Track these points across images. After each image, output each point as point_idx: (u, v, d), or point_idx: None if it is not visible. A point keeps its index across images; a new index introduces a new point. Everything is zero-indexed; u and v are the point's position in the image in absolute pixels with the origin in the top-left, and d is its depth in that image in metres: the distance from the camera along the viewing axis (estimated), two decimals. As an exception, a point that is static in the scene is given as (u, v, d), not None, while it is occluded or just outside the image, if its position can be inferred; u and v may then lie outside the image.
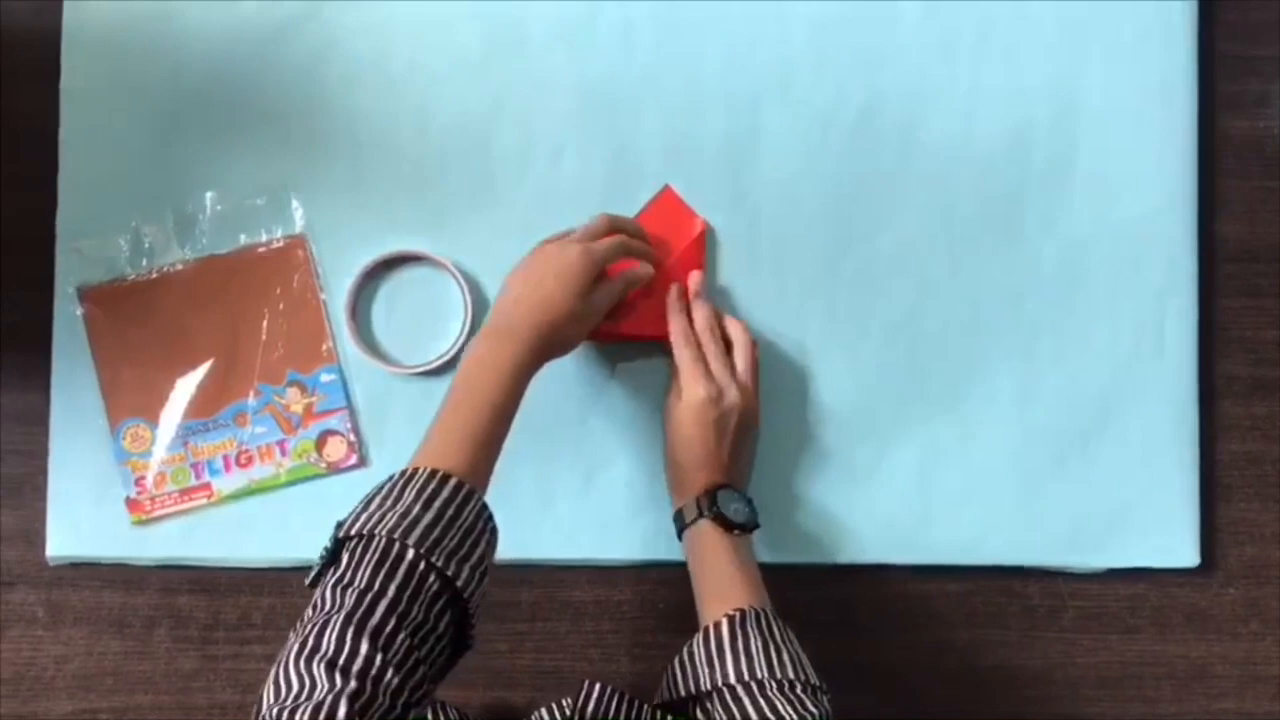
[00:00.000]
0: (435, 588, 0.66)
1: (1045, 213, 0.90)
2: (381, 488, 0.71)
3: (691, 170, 0.89)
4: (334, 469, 0.88)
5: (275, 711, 0.60)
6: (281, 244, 0.88)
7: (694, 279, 0.87)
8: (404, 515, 0.67)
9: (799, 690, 0.71)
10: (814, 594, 0.88)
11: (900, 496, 0.89)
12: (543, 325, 0.78)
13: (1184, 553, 0.90)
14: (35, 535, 0.87)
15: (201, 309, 0.87)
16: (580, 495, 0.88)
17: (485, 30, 0.89)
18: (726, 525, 0.79)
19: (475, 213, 0.89)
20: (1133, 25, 0.91)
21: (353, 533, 0.67)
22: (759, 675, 0.71)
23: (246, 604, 0.89)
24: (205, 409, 0.87)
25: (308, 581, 0.69)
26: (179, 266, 0.88)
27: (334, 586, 0.65)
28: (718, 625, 0.74)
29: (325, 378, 0.88)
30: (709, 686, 0.72)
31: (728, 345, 0.86)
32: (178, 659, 0.89)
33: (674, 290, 0.86)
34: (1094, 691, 0.90)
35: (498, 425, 0.75)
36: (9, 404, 0.88)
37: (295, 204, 0.88)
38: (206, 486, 0.87)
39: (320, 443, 0.88)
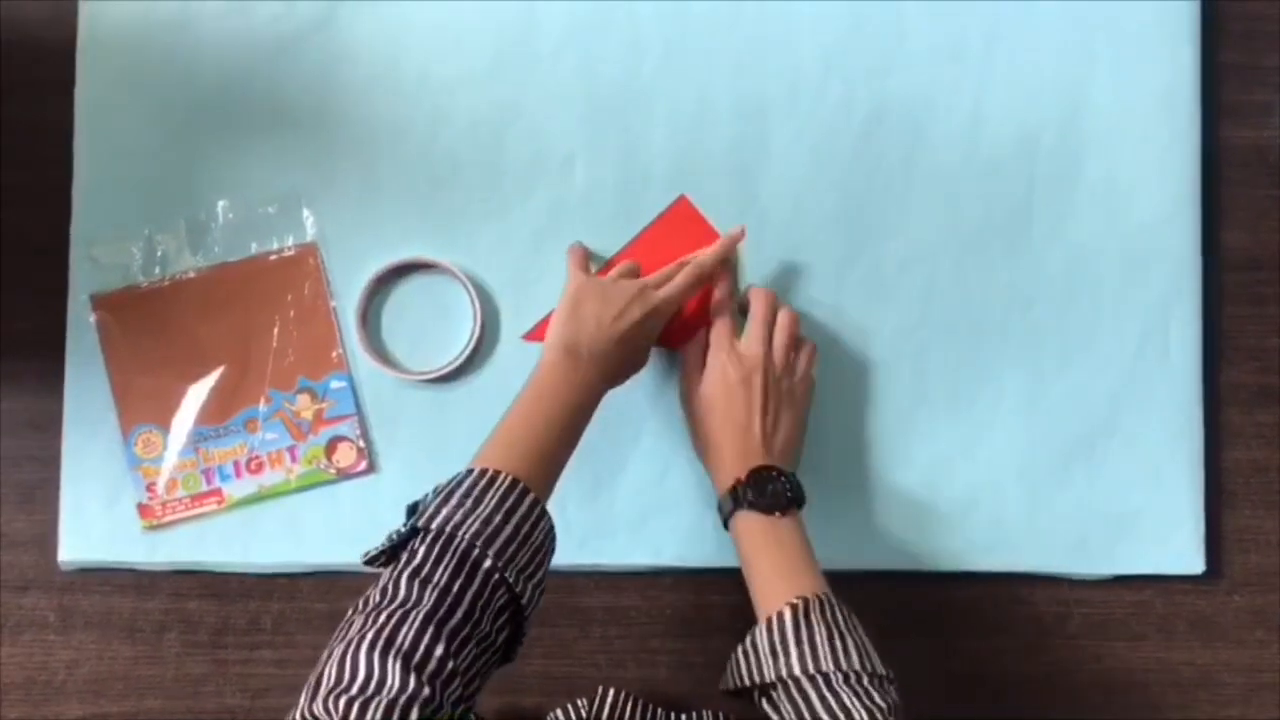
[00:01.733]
0: (503, 601, 0.67)
1: (1051, 221, 0.91)
2: (461, 483, 0.71)
3: (701, 178, 0.90)
4: (344, 475, 0.88)
5: (342, 698, 0.59)
6: (293, 252, 0.89)
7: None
8: (486, 522, 0.68)
9: (865, 681, 0.68)
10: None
11: (906, 504, 0.89)
12: (619, 362, 0.80)
13: (1189, 560, 0.90)
14: (47, 540, 0.88)
15: (213, 316, 0.88)
16: (589, 502, 0.89)
17: (496, 40, 0.90)
18: (767, 509, 0.76)
19: (485, 221, 0.89)
20: (1138, 35, 0.91)
21: (433, 526, 0.68)
22: (824, 667, 0.69)
23: (256, 609, 0.89)
24: (216, 415, 0.88)
25: (365, 558, 0.68)
26: (191, 274, 0.89)
27: (410, 578, 0.65)
28: (780, 615, 0.71)
29: (335, 384, 0.88)
30: (773, 678, 0.70)
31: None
32: (188, 664, 0.89)
33: (721, 249, 0.86)
34: (1099, 699, 0.90)
35: (567, 444, 0.77)
36: (22, 410, 0.89)
37: (306, 212, 0.89)
38: (217, 492, 0.88)
39: (330, 449, 0.88)
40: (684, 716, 0.82)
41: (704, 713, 0.83)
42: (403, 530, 0.69)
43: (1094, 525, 0.90)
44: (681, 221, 0.90)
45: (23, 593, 0.89)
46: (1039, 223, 0.91)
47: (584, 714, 0.77)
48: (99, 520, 0.88)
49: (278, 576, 0.89)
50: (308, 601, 0.89)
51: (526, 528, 0.70)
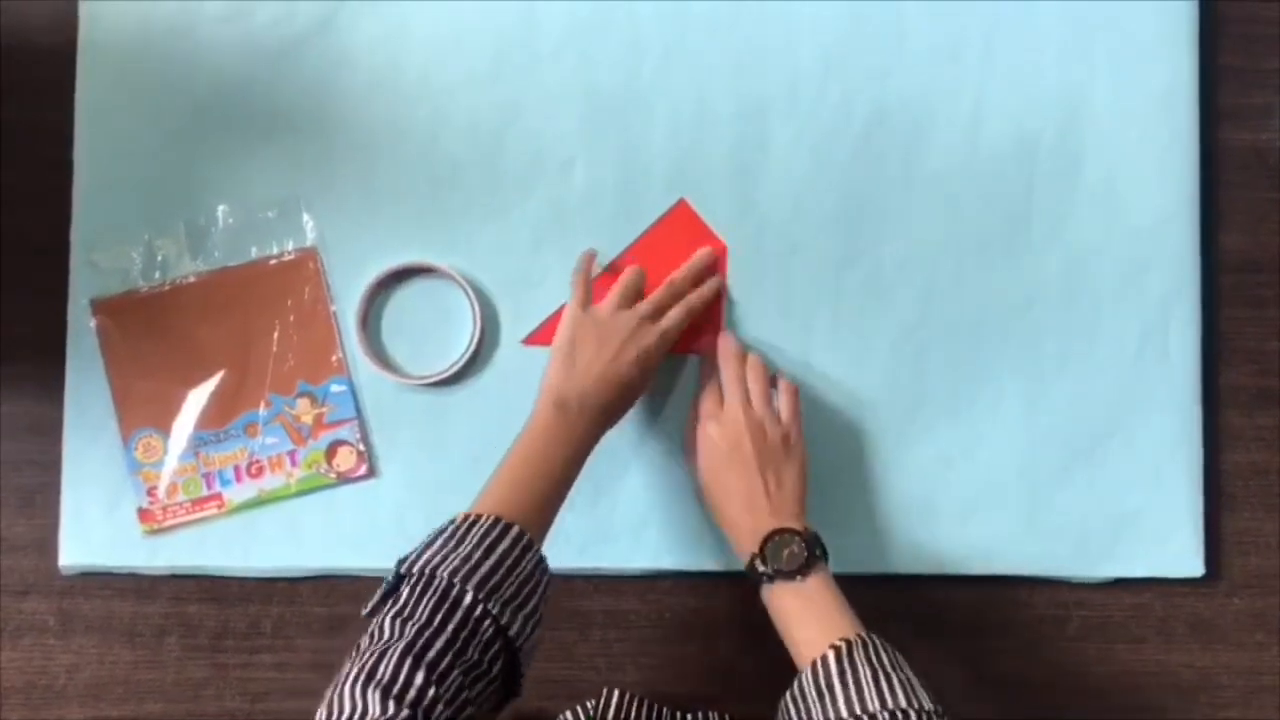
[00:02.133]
0: (489, 633, 0.68)
1: (1050, 223, 0.91)
2: (445, 529, 0.73)
3: (700, 181, 0.90)
4: (344, 479, 0.88)
5: None
6: (293, 256, 0.89)
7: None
8: (465, 559, 0.70)
9: (913, 718, 0.68)
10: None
11: (906, 507, 0.90)
12: (615, 405, 0.81)
13: (1189, 563, 0.90)
14: (48, 545, 0.88)
15: (213, 320, 0.88)
16: (589, 506, 0.89)
17: (495, 43, 0.90)
18: (788, 576, 0.76)
19: (485, 224, 0.90)
20: (1137, 37, 0.91)
21: (414, 570, 0.70)
22: (870, 708, 0.68)
23: (256, 613, 0.89)
24: (216, 419, 0.88)
25: (365, 611, 0.70)
26: (191, 279, 0.89)
27: (393, 618, 0.67)
28: (824, 658, 0.71)
29: (335, 388, 0.88)
30: None
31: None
32: (188, 668, 0.89)
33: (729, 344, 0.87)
34: (1099, 701, 0.90)
35: (560, 489, 0.78)
36: (23, 415, 0.89)
37: (306, 216, 0.89)
38: (217, 496, 0.88)
39: (330, 453, 0.88)
40: (689, 717, 0.83)
41: (709, 713, 0.83)
42: (389, 580, 0.71)
43: (1093, 527, 0.90)
44: (681, 225, 0.90)
45: (23, 597, 0.89)
46: (1038, 225, 0.91)
47: (591, 715, 0.78)
48: (99, 524, 0.88)
49: (278, 580, 0.89)
50: (308, 605, 0.89)
51: (509, 561, 0.71)
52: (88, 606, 0.89)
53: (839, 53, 0.91)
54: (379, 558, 0.87)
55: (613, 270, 0.88)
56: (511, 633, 0.69)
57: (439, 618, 0.67)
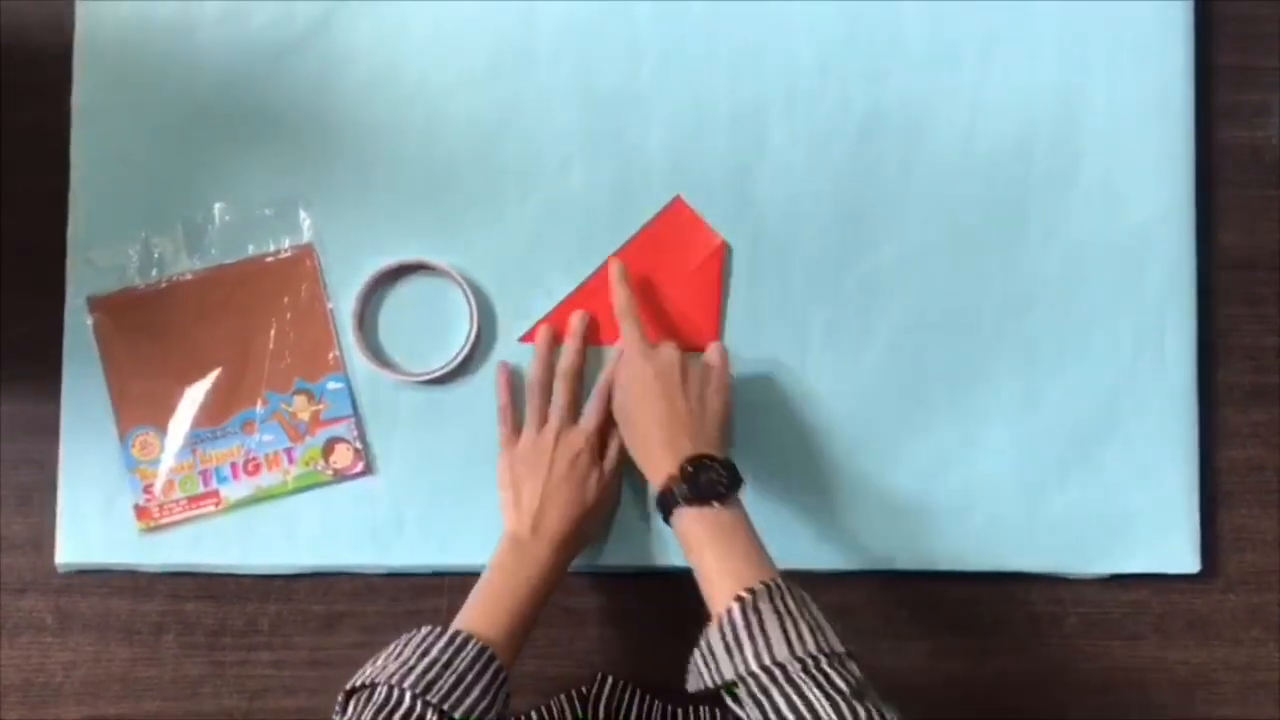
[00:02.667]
0: None
1: (1047, 221, 0.91)
2: (389, 645, 0.75)
3: (697, 181, 0.90)
4: (340, 476, 0.88)
5: None
6: (290, 254, 0.89)
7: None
8: (402, 664, 0.71)
9: (824, 665, 0.67)
10: (816, 601, 0.88)
11: (903, 504, 0.90)
12: (562, 533, 0.81)
13: (1185, 559, 0.90)
14: (45, 543, 0.88)
15: (210, 318, 0.88)
16: (585, 502, 0.89)
17: (493, 43, 0.90)
18: (703, 500, 0.75)
19: (482, 223, 0.90)
20: (1133, 37, 0.91)
21: (359, 685, 0.72)
22: (779, 656, 0.67)
23: (253, 610, 0.89)
24: (213, 417, 0.88)
25: None
26: (188, 276, 0.89)
27: None
28: (729, 612, 0.70)
29: (332, 386, 0.88)
30: (733, 676, 0.69)
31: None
32: (185, 665, 0.89)
33: (616, 267, 0.87)
34: (1096, 697, 0.90)
35: (524, 608, 0.79)
36: (20, 413, 0.89)
37: (303, 214, 0.89)
38: (214, 494, 0.88)
39: (327, 450, 0.88)
40: (680, 709, 0.83)
41: (700, 707, 0.84)
42: (340, 700, 0.73)
43: (1090, 525, 0.90)
44: (677, 222, 0.90)
45: (20, 595, 0.89)
46: (1035, 224, 0.91)
47: (584, 699, 0.78)
48: (96, 522, 0.88)
49: (275, 578, 0.89)
50: (305, 603, 0.89)
51: (445, 657, 0.72)
52: (85, 604, 0.89)
53: (836, 54, 0.91)
54: (376, 555, 0.88)
55: (553, 319, 0.89)
56: (457, 715, 0.70)
57: None
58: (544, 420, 0.85)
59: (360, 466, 0.88)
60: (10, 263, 0.90)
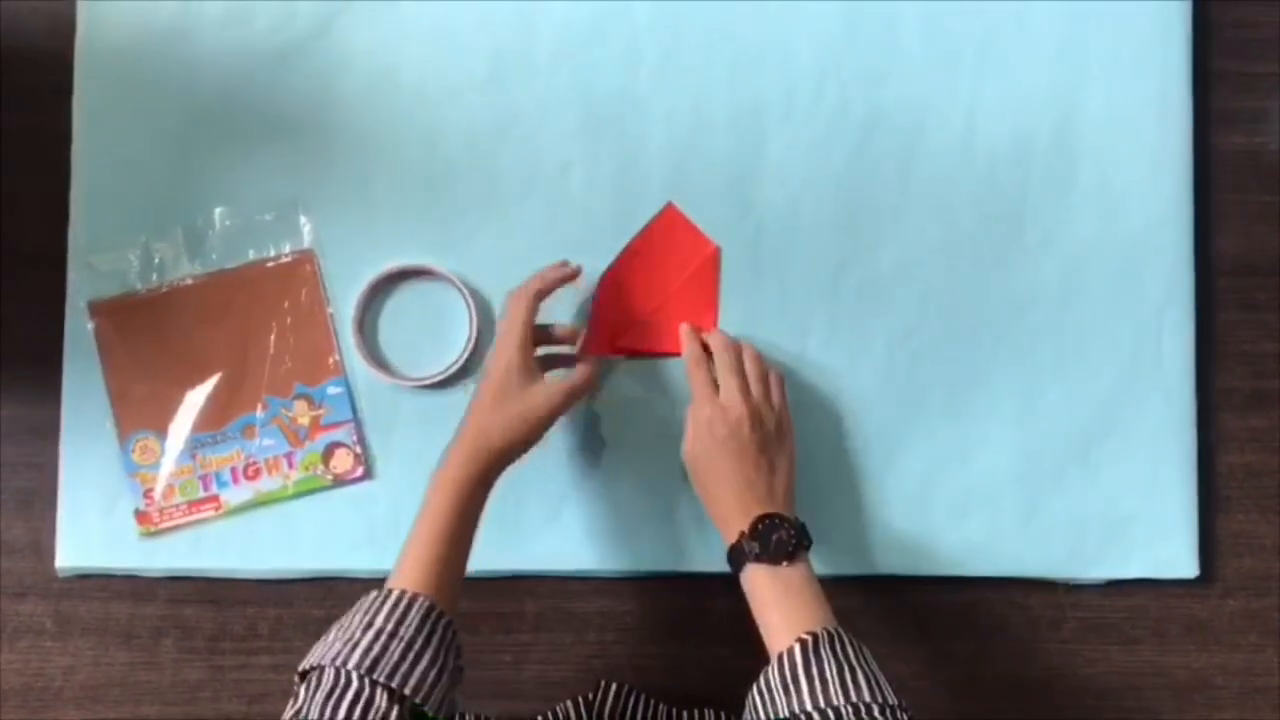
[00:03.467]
0: (383, 705, 0.68)
1: (1045, 227, 0.91)
2: (342, 618, 0.73)
3: (696, 185, 0.90)
4: (340, 481, 0.89)
5: None
6: (290, 258, 0.89)
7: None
8: (347, 641, 0.70)
9: (875, 713, 0.69)
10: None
11: (902, 509, 0.90)
12: (470, 436, 0.78)
13: (1183, 564, 0.90)
14: (45, 547, 0.88)
15: (210, 323, 0.88)
16: (585, 507, 0.89)
17: (493, 48, 0.90)
18: (773, 559, 0.77)
19: (482, 228, 0.90)
20: (1130, 42, 0.92)
21: (307, 667, 0.70)
22: (834, 701, 0.69)
23: (253, 615, 0.89)
24: (213, 422, 0.88)
25: None
26: (188, 281, 0.89)
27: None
28: (790, 651, 0.72)
29: (332, 390, 0.89)
30: (786, 714, 0.70)
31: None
32: (184, 670, 0.89)
33: (685, 327, 0.88)
34: (1095, 702, 0.91)
35: (452, 545, 0.76)
36: (20, 417, 0.89)
37: (304, 219, 0.89)
38: (214, 498, 0.88)
39: (327, 455, 0.88)
40: (684, 713, 0.83)
41: (705, 711, 0.84)
42: (296, 680, 0.71)
43: (1089, 529, 0.90)
44: (670, 229, 0.90)
45: (20, 599, 0.89)
46: (1033, 229, 0.91)
47: (588, 706, 0.78)
48: (96, 526, 0.88)
49: (274, 582, 0.89)
50: (305, 607, 0.89)
51: (390, 626, 0.70)
52: (85, 608, 0.89)
53: (835, 57, 0.91)
54: (376, 560, 0.88)
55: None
56: (408, 691, 0.68)
57: (329, 709, 0.67)
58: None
59: (360, 471, 0.89)
60: (11, 267, 0.90)
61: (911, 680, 0.90)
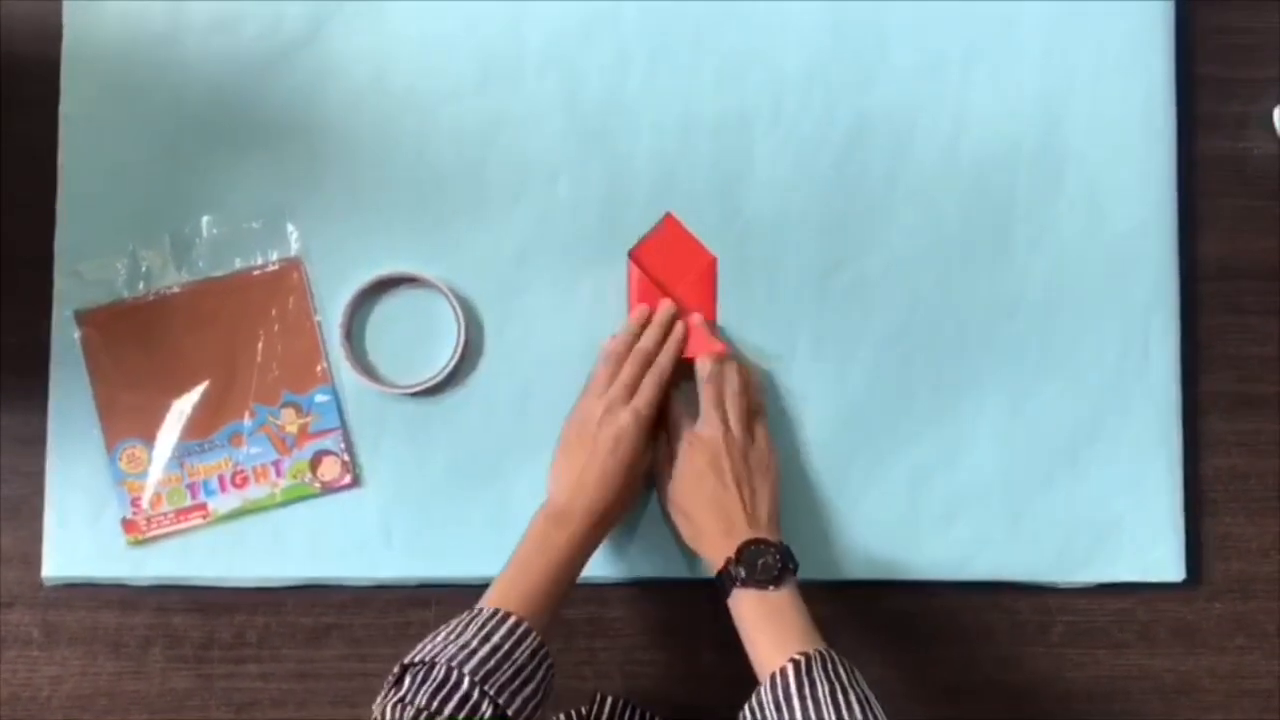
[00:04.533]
0: (488, 714, 0.70)
1: (1031, 232, 0.91)
2: (449, 624, 0.75)
3: (684, 191, 0.90)
4: (328, 489, 0.88)
5: None
6: (277, 266, 0.89)
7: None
8: (463, 647, 0.72)
9: None
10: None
11: (889, 514, 0.90)
12: (607, 505, 0.81)
13: (1170, 568, 0.91)
14: (31, 556, 0.88)
15: (197, 331, 0.88)
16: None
17: (481, 55, 0.90)
18: (760, 584, 0.77)
19: (470, 235, 0.90)
20: (1115, 48, 0.92)
21: (416, 660, 0.72)
22: None
23: (242, 623, 0.89)
24: (201, 430, 0.88)
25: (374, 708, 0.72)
26: (175, 289, 0.89)
27: (394, 705, 0.70)
28: (783, 671, 0.72)
29: (320, 398, 0.89)
30: None
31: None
32: (172, 678, 0.89)
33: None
34: (1083, 705, 0.91)
35: (559, 587, 0.79)
36: (7, 425, 0.89)
37: (291, 227, 0.89)
38: (202, 507, 0.88)
39: (315, 463, 0.88)
40: None
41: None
42: (395, 672, 0.73)
43: (1076, 533, 0.90)
44: (668, 239, 0.90)
45: (7, 609, 0.89)
46: (1020, 233, 0.91)
47: (585, 718, 0.79)
48: (83, 535, 0.88)
49: (263, 590, 0.89)
50: (293, 615, 0.89)
51: (507, 647, 0.73)
52: (72, 618, 0.89)
53: (822, 64, 0.91)
54: (364, 567, 0.88)
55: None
56: (510, 712, 0.71)
57: (436, 702, 0.69)
58: (603, 389, 0.85)
59: (348, 479, 0.88)
60: (-3, 275, 0.90)
61: (899, 685, 0.90)
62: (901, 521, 0.90)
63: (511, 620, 0.74)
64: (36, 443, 0.88)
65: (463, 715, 0.69)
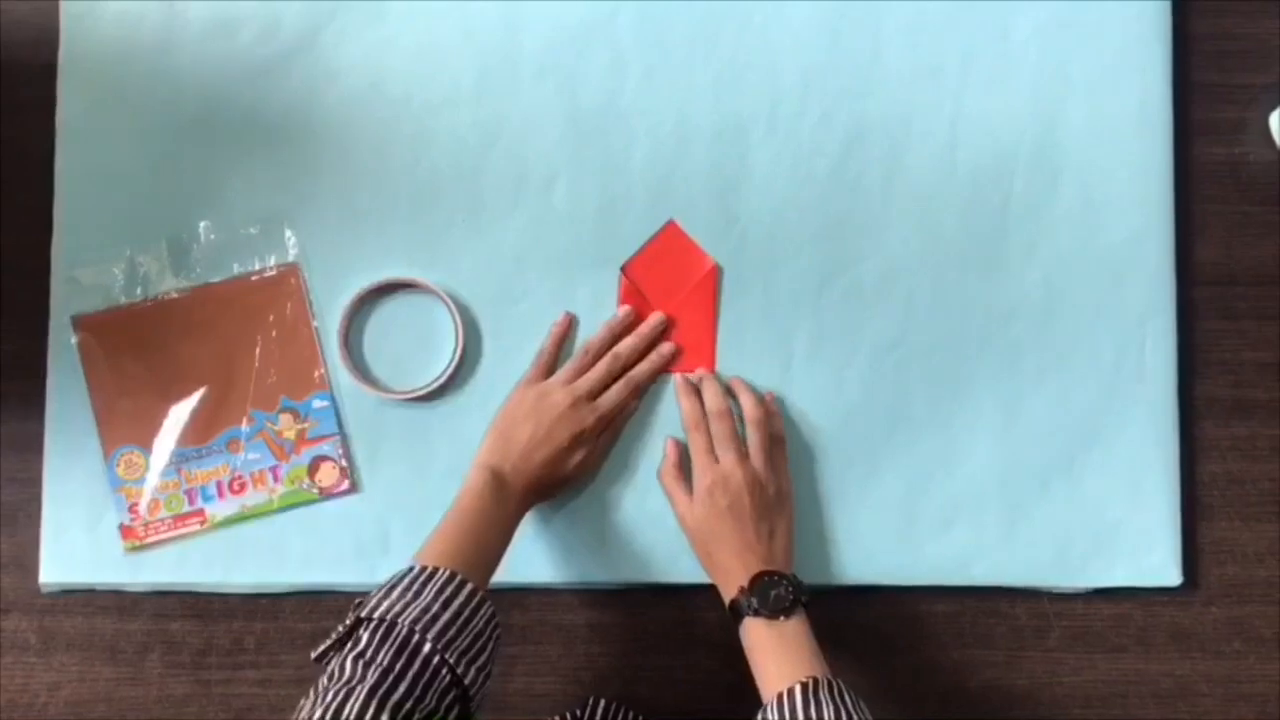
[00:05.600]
0: (446, 682, 0.70)
1: (1027, 238, 0.92)
2: (402, 578, 0.74)
3: (681, 198, 0.91)
4: (326, 494, 0.88)
5: None
6: (275, 272, 0.89)
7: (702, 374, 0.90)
8: (424, 610, 0.71)
9: None
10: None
11: (886, 519, 0.90)
12: (547, 485, 0.84)
13: (1167, 572, 0.91)
14: (29, 562, 0.88)
15: (195, 337, 0.88)
16: (572, 518, 0.89)
17: (478, 62, 0.91)
18: (771, 614, 0.78)
19: (467, 240, 0.90)
20: (1111, 55, 0.92)
21: (374, 616, 0.71)
22: None
23: (239, 629, 0.89)
24: (199, 436, 0.88)
25: (314, 655, 0.72)
26: (173, 295, 0.89)
27: (354, 659, 0.69)
28: (790, 692, 0.73)
29: (318, 404, 0.89)
30: None
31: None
32: (170, 685, 0.89)
33: (679, 378, 0.89)
34: (1080, 710, 0.91)
35: (494, 554, 0.80)
36: (4, 432, 0.89)
37: (288, 233, 0.89)
38: (200, 513, 0.88)
39: (313, 468, 0.88)
40: None
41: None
42: (348, 623, 0.72)
43: (1073, 538, 0.90)
44: (671, 246, 0.90)
45: (4, 615, 0.89)
46: (1016, 240, 0.92)
47: (578, 718, 0.79)
48: (81, 542, 0.88)
49: (261, 596, 0.89)
50: (291, 621, 0.89)
51: (466, 614, 0.73)
52: (69, 624, 0.89)
53: (818, 71, 0.91)
54: (362, 573, 0.88)
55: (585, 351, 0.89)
56: (466, 682, 0.71)
57: (399, 664, 0.69)
58: (573, 379, 0.86)
59: (346, 485, 0.88)
60: (-6, 281, 0.90)
61: (897, 690, 0.90)
62: (899, 527, 0.90)
63: (469, 587, 0.74)
64: (34, 449, 0.88)
65: (423, 680, 0.69)
